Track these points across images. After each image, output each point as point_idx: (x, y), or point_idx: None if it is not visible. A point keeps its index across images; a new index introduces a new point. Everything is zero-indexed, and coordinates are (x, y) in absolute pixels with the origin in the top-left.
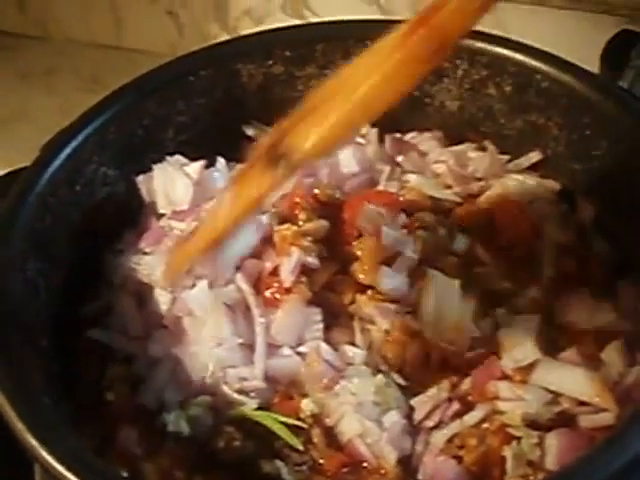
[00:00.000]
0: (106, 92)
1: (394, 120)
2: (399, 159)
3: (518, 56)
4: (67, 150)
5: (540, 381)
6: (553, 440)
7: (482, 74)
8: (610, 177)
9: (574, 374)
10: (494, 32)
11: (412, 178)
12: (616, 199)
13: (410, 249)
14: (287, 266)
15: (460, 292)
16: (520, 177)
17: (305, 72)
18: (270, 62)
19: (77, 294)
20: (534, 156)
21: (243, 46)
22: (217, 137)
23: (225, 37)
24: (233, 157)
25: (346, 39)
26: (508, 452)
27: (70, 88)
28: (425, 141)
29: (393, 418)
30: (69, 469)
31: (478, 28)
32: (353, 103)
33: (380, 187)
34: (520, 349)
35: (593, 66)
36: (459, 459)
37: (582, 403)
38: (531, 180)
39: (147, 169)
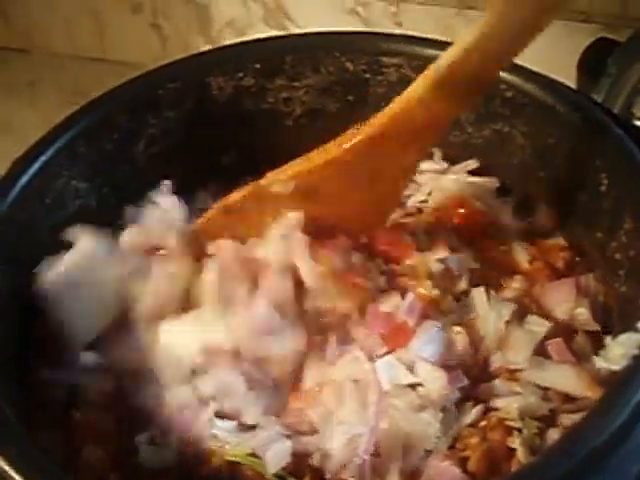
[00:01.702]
0: None
1: None
2: None
3: None
4: (37, 164)
5: (533, 378)
6: (554, 434)
7: None
8: (572, 184)
9: (562, 370)
10: None
11: None
12: (576, 204)
13: None
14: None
15: None
16: (454, 176)
17: (275, 84)
18: (240, 74)
19: None
20: (471, 163)
21: (213, 59)
22: (188, 149)
23: (208, 48)
24: (205, 170)
25: (315, 51)
26: (516, 442)
27: (54, 101)
28: None
29: None
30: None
31: (448, 38)
32: None
33: None
34: (516, 352)
35: (570, 74)
36: (465, 461)
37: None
38: (467, 178)
39: (118, 183)
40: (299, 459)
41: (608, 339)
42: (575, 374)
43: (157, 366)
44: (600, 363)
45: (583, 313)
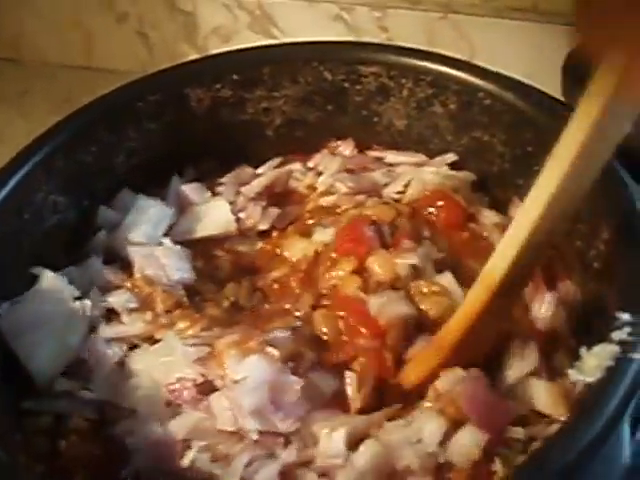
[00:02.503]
0: None
1: (343, 139)
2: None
3: (461, 74)
4: (15, 178)
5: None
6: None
7: (427, 92)
8: None
9: (538, 385)
10: (458, 47)
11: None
12: None
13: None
14: None
15: None
16: (433, 168)
17: (254, 95)
18: (218, 86)
19: None
20: (449, 157)
21: (191, 70)
22: (168, 161)
23: (195, 55)
24: (187, 172)
25: (293, 61)
26: (497, 466)
27: (43, 110)
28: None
29: None
30: None
31: (443, 46)
32: None
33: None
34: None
35: (556, 78)
36: None
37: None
38: (445, 171)
39: (97, 196)
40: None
41: (583, 350)
42: (546, 390)
43: (132, 399)
44: (575, 375)
45: (560, 324)
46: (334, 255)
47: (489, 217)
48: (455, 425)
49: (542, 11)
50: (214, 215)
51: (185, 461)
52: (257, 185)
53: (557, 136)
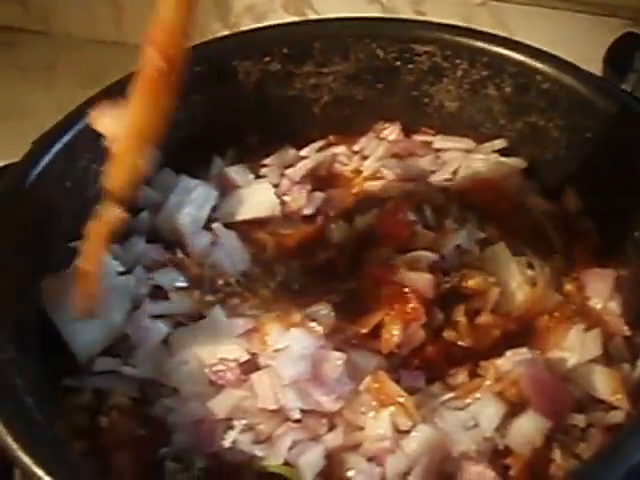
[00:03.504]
0: None
1: (392, 120)
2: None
3: (518, 56)
4: (58, 146)
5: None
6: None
7: (482, 74)
8: (609, 180)
9: (595, 371)
10: (495, 32)
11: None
12: (612, 202)
13: None
14: None
15: None
16: (482, 156)
17: (303, 70)
18: (267, 59)
19: None
20: (499, 143)
21: (239, 43)
22: (212, 135)
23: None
24: (229, 154)
25: (344, 37)
26: (556, 452)
27: (70, 83)
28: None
29: None
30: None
31: (479, 28)
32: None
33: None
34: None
35: (596, 68)
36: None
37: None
38: (495, 158)
39: None
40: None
41: None
42: (605, 376)
43: (175, 377)
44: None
45: (614, 309)
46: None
47: (539, 204)
48: (514, 409)
49: (583, 1)
50: (258, 197)
51: (226, 442)
52: (302, 168)
53: (617, 123)
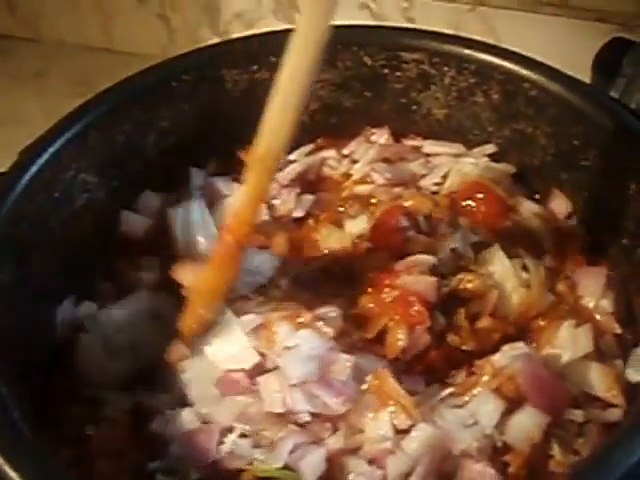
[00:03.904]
0: None
1: (380, 127)
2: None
3: (506, 64)
4: (45, 156)
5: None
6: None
7: (470, 82)
8: (597, 187)
9: (589, 367)
10: (485, 39)
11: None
12: (601, 208)
13: None
14: None
15: None
16: (472, 159)
17: None
18: (255, 67)
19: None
20: (489, 148)
21: (227, 51)
22: (200, 143)
23: (216, 40)
24: (216, 164)
25: (332, 44)
26: (554, 448)
27: (60, 90)
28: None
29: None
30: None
31: (468, 35)
32: None
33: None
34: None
35: (585, 74)
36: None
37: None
38: (485, 163)
39: (127, 177)
40: (333, 466)
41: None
42: (600, 373)
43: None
44: (630, 374)
45: (606, 307)
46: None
47: (529, 208)
48: (512, 405)
49: (572, 6)
50: None
51: (225, 447)
52: (291, 172)
53: (606, 130)
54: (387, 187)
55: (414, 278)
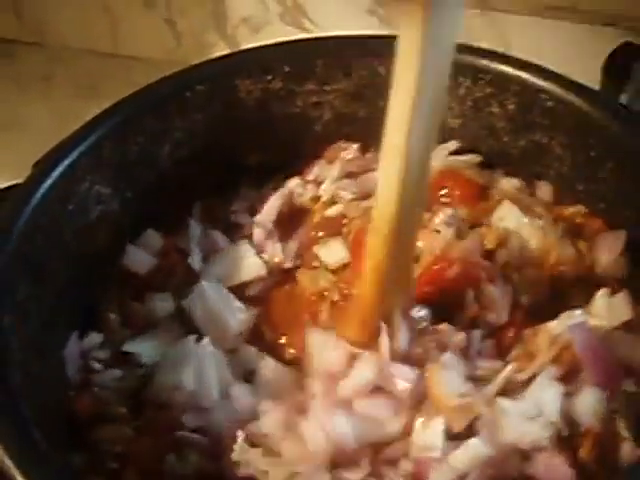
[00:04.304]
0: (102, 99)
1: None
2: None
3: (522, 74)
4: (60, 168)
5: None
6: None
7: (485, 92)
8: (617, 200)
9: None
10: (495, 44)
11: None
12: (621, 221)
13: None
14: None
15: None
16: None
17: (305, 88)
18: (269, 77)
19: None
20: (451, 145)
21: (241, 61)
22: (214, 154)
23: (223, 45)
24: (230, 175)
25: (347, 54)
26: (622, 428)
27: (66, 95)
28: None
29: None
30: None
31: (476, 40)
32: None
33: None
34: None
35: (594, 78)
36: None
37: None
38: (448, 157)
39: (142, 187)
40: None
41: None
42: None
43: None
44: None
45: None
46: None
47: (509, 184)
48: (570, 376)
49: (582, 10)
50: (244, 261)
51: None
52: (270, 212)
53: (624, 141)
54: (357, 202)
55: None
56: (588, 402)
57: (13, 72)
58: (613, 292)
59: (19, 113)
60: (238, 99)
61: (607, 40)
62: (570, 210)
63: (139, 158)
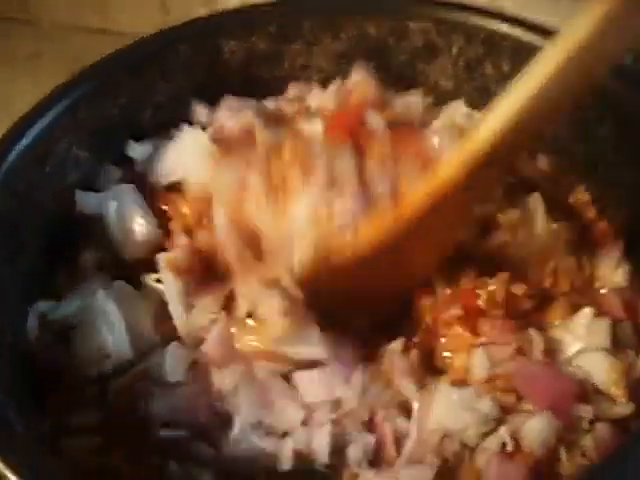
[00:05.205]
0: None
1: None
2: None
3: (516, 32)
4: (36, 128)
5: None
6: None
7: (478, 52)
8: (611, 158)
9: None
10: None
11: None
12: (615, 181)
13: None
14: None
15: None
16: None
17: (291, 49)
18: (253, 38)
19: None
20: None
21: (224, 21)
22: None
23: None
24: None
25: (336, 14)
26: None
27: (55, 72)
28: None
29: None
30: None
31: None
32: None
33: None
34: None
35: None
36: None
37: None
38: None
39: (122, 152)
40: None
41: None
42: (611, 367)
43: None
44: None
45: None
46: None
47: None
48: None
49: None
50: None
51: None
52: None
53: (621, 99)
54: None
55: None
56: (534, 427)
57: (1, 49)
58: (613, 317)
59: (8, 90)
60: (222, 60)
61: None
62: (577, 197)
63: (119, 121)
